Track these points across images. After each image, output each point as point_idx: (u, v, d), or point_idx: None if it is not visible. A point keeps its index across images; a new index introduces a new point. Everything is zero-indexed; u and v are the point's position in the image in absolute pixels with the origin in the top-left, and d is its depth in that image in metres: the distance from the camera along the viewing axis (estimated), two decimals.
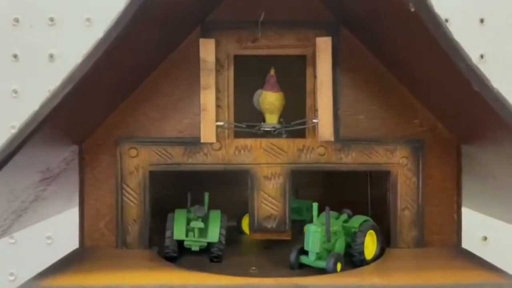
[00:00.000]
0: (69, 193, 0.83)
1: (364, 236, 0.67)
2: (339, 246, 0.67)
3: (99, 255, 0.69)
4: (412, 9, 0.52)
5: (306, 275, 0.61)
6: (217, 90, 0.71)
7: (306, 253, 0.65)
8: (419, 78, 0.69)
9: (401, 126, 0.73)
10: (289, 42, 0.72)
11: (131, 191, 0.72)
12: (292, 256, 0.65)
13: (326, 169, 0.73)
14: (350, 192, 0.86)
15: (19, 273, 1.21)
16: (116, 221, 0.72)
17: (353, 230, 0.68)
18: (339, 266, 0.63)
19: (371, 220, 0.70)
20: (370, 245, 0.69)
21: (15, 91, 1.17)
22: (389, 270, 0.63)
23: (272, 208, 0.73)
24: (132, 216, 0.72)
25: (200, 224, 0.70)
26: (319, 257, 0.64)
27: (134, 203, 0.72)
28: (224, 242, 0.70)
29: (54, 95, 0.54)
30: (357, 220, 0.69)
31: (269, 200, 0.73)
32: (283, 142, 0.72)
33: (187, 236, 0.69)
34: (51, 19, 1.13)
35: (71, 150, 0.73)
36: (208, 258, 0.69)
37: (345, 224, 0.69)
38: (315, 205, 0.67)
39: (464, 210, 0.75)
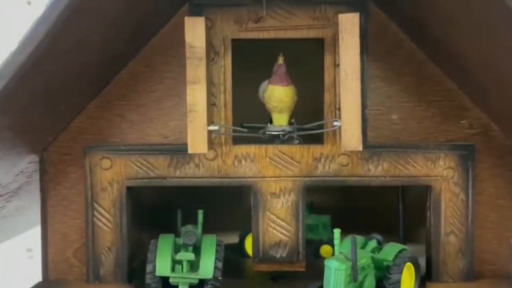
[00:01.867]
0: (38, 209, 0.69)
1: (401, 271, 0.53)
2: (369, 284, 0.52)
3: None
4: None
5: None
6: (210, 85, 0.55)
7: None
8: (471, 67, 0.53)
9: (445, 128, 0.58)
10: (303, 21, 0.56)
11: (104, 212, 0.58)
12: None
13: (350, 184, 0.57)
14: (377, 203, 0.71)
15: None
16: (87, 249, 0.58)
17: (385, 263, 0.53)
18: None
19: (407, 250, 0.55)
20: (407, 281, 0.54)
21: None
22: None
23: (282, 233, 0.58)
24: (106, 243, 0.58)
25: (190, 256, 0.55)
26: None
27: (108, 226, 0.58)
28: (220, 277, 0.55)
29: None
30: (391, 249, 0.54)
31: (278, 223, 0.58)
32: (294, 149, 0.57)
33: (173, 270, 0.55)
34: None
35: (30, 161, 0.59)
36: None
37: (375, 256, 0.54)
38: (337, 232, 0.52)
39: None
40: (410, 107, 0.58)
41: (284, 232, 0.58)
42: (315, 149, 0.57)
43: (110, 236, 0.58)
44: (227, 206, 0.72)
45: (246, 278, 0.64)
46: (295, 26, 0.56)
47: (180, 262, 0.55)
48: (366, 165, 0.57)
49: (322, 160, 0.57)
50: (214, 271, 0.55)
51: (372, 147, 0.57)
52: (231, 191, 0.65)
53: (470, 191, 0.57)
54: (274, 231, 0.58)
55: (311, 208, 0.73)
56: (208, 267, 0.54)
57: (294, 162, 0.58)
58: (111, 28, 0.49)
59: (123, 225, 0.57)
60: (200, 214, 0.61)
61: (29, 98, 0.46)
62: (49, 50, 0.40)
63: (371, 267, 0.53)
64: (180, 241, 0.57)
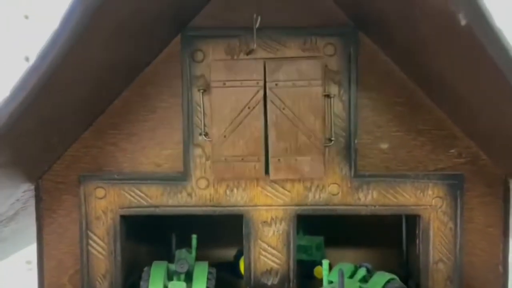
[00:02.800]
0: (33, 232, 0.70)
1: None
2: None
3: None
4: (463, 23, 0.36)
5: None
6: None
7: None
8: (460, 98, 0.54)
9: (434, 157, 0.59)
10: (293, 53, 0.57)
11: (98, 240, 0.59)
12: None
13: (340, 213, 0.58)
14: (377, 227, 0.70)
15: None
16: (82, 276, 0.59)
17: None
18: None
19: (397, 280, 0.55)
20: None
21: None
22: None
23: (273, 261, 0.59)
24: (101, 271, 0.59)
25: (181, 285, 0.56)
26: None
27: (103, 254, 0.59)
28: None
29: None
30: (379, 279, 0.55)
31: (269, 251, 0.59)
32: (285, 179, 0.58)
33: None
34: None
35: (25, 189, 0.59)
36: None
37: (364, 286, 0.55)
38: (325, 263, 0.52)
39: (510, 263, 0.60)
40: (400, 136, 0.59)
41: (276, 260, 0.59)
42: (306, 179, 0.58)
43: (104, 264, 0.59)
44: (222, 226, 0.73)
45: None
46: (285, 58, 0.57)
47: None
48: (356, 194, 0.58)
49: (313, 189, 0.58)
50: None
51: (362, 176, 0.58)
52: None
53: (458, 220, 0.58)
54: (266, 259, 0.59)
55: (305, 229, 0.74)
56: None
57: (285, 191, 0.58)
58: (105, 64, 0.50)
59: (117, 252, 0.58)
60: (194, 238, 0.62)
61: (24, 135, 0.47)
62: (42, 91, 0.41)
63: None
64: (173, 267, 0.58)
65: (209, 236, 0.67)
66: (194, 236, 0.63)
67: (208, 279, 0.57)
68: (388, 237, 0.69)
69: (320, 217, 0.68)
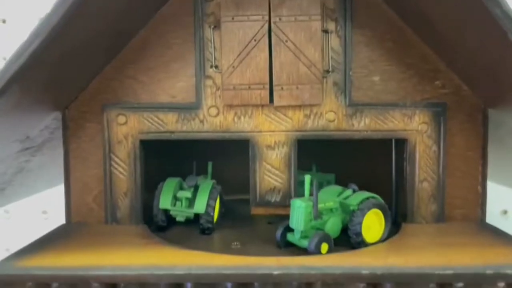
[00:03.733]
0: (58, 166, 0.77)
1: (363, 215, 0.58)
2: (333, 225, 0.58)
3: (86, 232, 0.63)
4: None
5: (292, 254, 0.55)
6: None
7: (293, 230, 0.58)
8: (444, 32, 0.60)
9: (421, 88, 0.65)
10: None
11: (120, 162, 0.66)
12: (278, 234, 0.59)
13: (336, 137, 0.65)
14: (377, 163, 0.76)
15: (14, 249, 1.17)
16: (105, 195, 0.66)
17: (351, 208, 0.59)
18: (324, 247, 0.55)
19: (378, 198, 0.61)
20: (375, 227, 0.60)
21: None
22: (406, 248, 0.56)
23: (276, 181, 0.66)
24: (122, 189, 0.66)
25: (187, 194, 0.65)
26: (304, 235, 0.57)
27: (124, 175, 0.66)
28: (212, 214, 0.65)
29: (20, 52, 0.47)
30: (358, 196, 0.60)
31: (273, 172, 0.66)
32: (287, 107, 0.64)
33: (174, 205, 0.65)
34: None
35: (54, 117, 0.66)
36: (198, 231, 0.65)
37: (344, 201, 0.60)
38: (307, 177, 0.59)
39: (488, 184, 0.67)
40: (390, 70, 0.65)
41: (278, 179, 0.66)
42: (306, 107, 0.65)
43: (125, 183, 0.65)
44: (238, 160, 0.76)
45: (244, 222, 0.72)
46: None
47: (180, 199, 0.65)
48: (350, 121, 0.65)
49: (312, 116, 0.65)
50: (207, 208, 0.64)
51: (356, 104, 0.65)
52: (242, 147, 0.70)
53: (441, 144, 0.65)
54: (270, 179, 0.66)
55: (318, 168, 0.80)
56: (202, 204, 0.64)
57: (287, 118, 0.65)
58: (124, 5, 0.56)
59: (137, 173, 0.65)
60: (209, 165, 0.71)
61: (58, 57, 0.53)
62: (77, 15, 0.47)
63: (338, 211, 0.60)
64: (184, 184, 0.66)
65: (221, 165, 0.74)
66: (209, 163, 0.72)
67: (211, 192, 0.65)
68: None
69: (332, 157, 0.75)
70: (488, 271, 0.47)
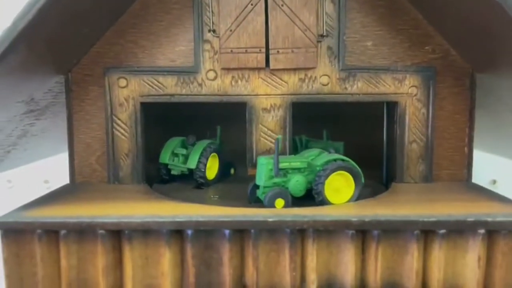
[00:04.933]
0: (61, 132, 0.79)
1: (326, 176, 0.59)
2: (296, 183, 0.59)
3: (90, 189, 0.66)
4: None
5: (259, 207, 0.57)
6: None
7: None
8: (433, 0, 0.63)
9: (411, 53, 0.68)
10: None
11: (122, 124, 0.68)
12: (248, 189, 0.62)
13: (329, 100, 0.68)
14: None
15: None
16: (108, 155, 0.69)
17: (317, 168, 0.60)
18: (279, 202, 0.57)
19: (349, 162, 0.61)
20: (343, 188, 0.60)
21: None
22: (394, 202, 0.59)
23: (272, 142, 0.68)
24: (124, 150, 0.68)
25: (183, 151, 0.72)
26: (265, 191, 0.59)
27: (125, 136, 0.68)
28: (203, 170, 0.71)
29: (28, 8, 0.49)
30: (325, 158, 0.61)
31: (268, 134, 0.68)
32: (283, 71, 0.67)
33: (173, 161, 0.72)
34: None
35: (57, 80, 0.68)
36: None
37: (311, 162, 0.61)
38: (277, 138, 0.61)
39: (474, 153, 0.70)
40: (382, 35, 0.68)
41: (274, 141, 0.68)
42: (300, 71, 0.67)
43: (127, 144, 0.68)
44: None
45: (244, 181, 0.74)
46: None
47: (177, 155, 0.72)
48: (343, 84, 0.67)
49: (306, 80, 0.67)
50: (198, 164, 0.70)
51: (349, 68, 0.67)
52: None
53: (430, 107, 0.67)
54: (265, 141, 0.68)
55: (328, 135, 0.80)
56: (194, 160, 0.70)
57: (283, 82, 0.68)
58: None
59: (138, 134, 0.68)
60: (218, 129, 0.77)
61: (60, 17, 0.55)
62: None
63: (306, 171, 0.60)
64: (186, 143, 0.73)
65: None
66: (218, 127, 0.77)
67: (205, 149, 0.71)
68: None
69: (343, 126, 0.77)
70: (469, 219, 0.51)
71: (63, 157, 0.89)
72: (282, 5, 0.64)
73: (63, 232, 0.51)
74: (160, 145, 0.75)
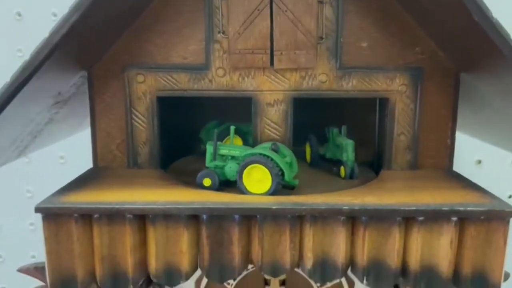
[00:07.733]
0: (79, 117, 0.87)
1: (243, 167, 0.65)
2: (230, 169, 0.68)
3: (113, 174, 0.74)
4: None
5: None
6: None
7: None
8: (423, 5, 0.69)
9: (402, 54, 0.74)
10: None
11: (140, 115, 0.76)
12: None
13: (327, 96, 0.75)
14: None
15: (35, 190, 1.29)
16: (127, 143, 0.76)
17: (241, 159, 0.68)
18: (206, 181, 0.67)
19: (270, 157, 0.65)
20: (261, 180, 0.65)
21: (18, 14, 1.17)
22: (381, 189, 0.67)
23: (274, 133, 0.76)
24: (142, 139, 0.76)
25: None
26: None
27: (143, 126, 0.76)
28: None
29: (63, 23, 0.55)
30: (250, 152, 0.67)
31: (272, 126, 0.76)
32: (285, 69, 0.74)
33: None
34: None
35: (80, 75, 0.75)
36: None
37: (245, 152, 0.68)
38: (232, 128, 0.72)
39: (461, 136, 0.78)
40: (377, 37, 0.74)
41: (277, 132, 0.76)
42: (301, 69, 0.74)
43: (145, 134, 0.76)
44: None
45: None
46: None
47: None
48: (340, 82, 0.74)
49: (307, 77, 0.74)
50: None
51: (345, 68, 0.74)
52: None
53: (418, 102, 0.75)
54: (269, 132, 0.76)
55: (345, 131, 0.84)
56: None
57: (285, 79, 0.75)
58: None
59: (155, 124, 0.75)
60: (232, 129, 0.76)
61: (88, 29, 0.62)
62: (95, 8, 0.56)
63: (240, 159, 0.67)
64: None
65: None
66: (232, 127, 0.75)
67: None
68: None
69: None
70: (444, 208, 0.59)
71: (77, 136, 0.97)
72: (285, 11, 0.70)
73: (96, 216, 0.60)
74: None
